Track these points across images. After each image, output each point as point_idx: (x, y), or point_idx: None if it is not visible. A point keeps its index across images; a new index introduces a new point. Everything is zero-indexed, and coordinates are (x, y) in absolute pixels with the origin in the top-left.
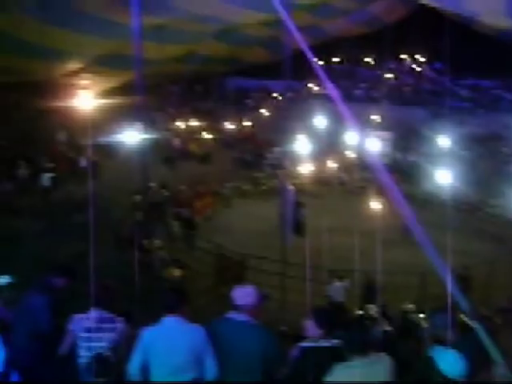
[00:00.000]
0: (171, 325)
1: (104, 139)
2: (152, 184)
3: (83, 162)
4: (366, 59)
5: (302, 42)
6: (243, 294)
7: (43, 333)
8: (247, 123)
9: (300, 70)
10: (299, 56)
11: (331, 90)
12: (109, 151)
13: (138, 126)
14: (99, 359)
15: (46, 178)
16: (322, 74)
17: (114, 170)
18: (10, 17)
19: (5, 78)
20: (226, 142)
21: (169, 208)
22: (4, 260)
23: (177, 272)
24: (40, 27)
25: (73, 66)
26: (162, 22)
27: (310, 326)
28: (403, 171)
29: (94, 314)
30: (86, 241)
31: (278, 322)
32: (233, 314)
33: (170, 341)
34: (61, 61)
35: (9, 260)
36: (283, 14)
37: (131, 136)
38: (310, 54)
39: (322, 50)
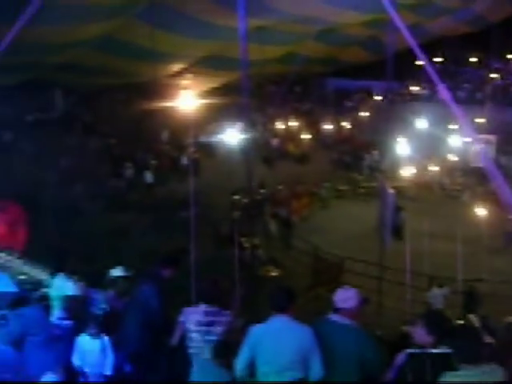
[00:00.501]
0: (280, 323)
1: (205, 138)
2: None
3: (184, 160)
4: (471, 59)
5: (412, 41)
6: (346, 297)
7: (154, 322)
8: (346, 124)
9: (400, 70)
10: (400, 56)
11: (443, 91)
12: (209, 150)
13: (239, 125)
14: (219, 342)
15: (150, 176)
16: (434, 74)
17: (214, 169)
18: (121, 22)
19: (113, 79)
20: (324, 142)
21: (266, 207)
22: (114, 252)
23: (273, 271)
24: (148, 31)
25: (176, 67)
26: (263, 23)
27: (419, 332)
28: (508, 176)
29: (203, 307)
30: (188, 236)
31: (374, 326)
32: (334, 316)
33: (277, 339)
34: (165, 63)
35: (118, 253)
36: (392, 14)
37: (231, 135)
38: (420, 54)
39: (423, 50)
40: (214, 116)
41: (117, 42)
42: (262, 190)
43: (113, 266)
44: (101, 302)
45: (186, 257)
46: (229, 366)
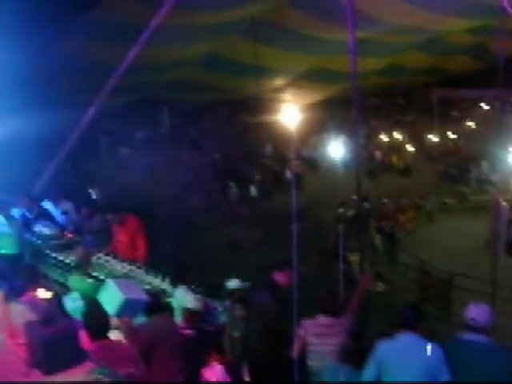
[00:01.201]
0: (407, 341)
1: (308, 152)
2: (354, 197)
3: (288, 174)
4: None
5: None
6: (481, 313)
7: (273, 329)
8: (452, 135)
9: (509, 77)
10: (509, 63)
11: None
12: (312, 163)
13: (341, 138)
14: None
15: (254, 189)
16: None
17: (318, 182)
18: (225, 40)
19: (217, 95)
20: (428, 154)
21: (371, 221)
22: (227, 265)
23: (379, 286)
24: (251, 47)
25: (279, 81)
26: (365, 35)
27: None
28: None
29: (322, 319)
30: (297, 249)
31: None
32: (469, 335)
33: (405, 357)
34: (268, 78)
35: (231, 265)
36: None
37: (334, 149)
38: None
39: None
40: (317, 129)
41: (221, 60)
42: (366, 204)
43: (227, 278)
44: (219, 313)
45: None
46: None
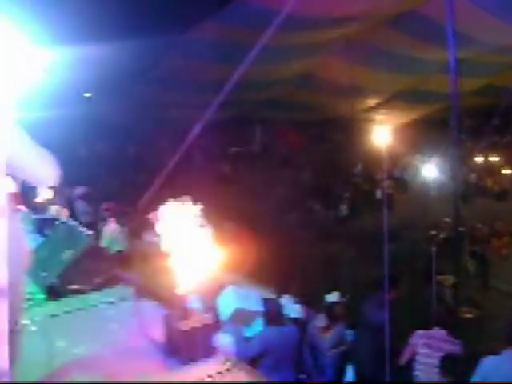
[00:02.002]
0: None
1: (399, 172)
2: (446, 219)
3: (378, 194)
4: None
5: None
6: None
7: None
8: None
9: None
10: None
11: None
12: (404, 184)
13: (434, 160)
14: (449, 358)
15: (344, 208)
16: None
17: (408, 203)
18: (320, 58)
19: (310, 114)
20: None
21: (464, 244)
22: (325, 280)
23: (469, 312)
24: (345, 67)
25: (372, 102)
26: (462, 55)
27: None
28: None
29: (436, 332)
30: (394, 268)
31: None
32: None
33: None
34: (361, 97)
35: (329, 280)
36: None
37: (427, 170)
38: None
39: None
40: (409, 150)
41: (315, 79)
42: (460, 227)
43: (324, 292)
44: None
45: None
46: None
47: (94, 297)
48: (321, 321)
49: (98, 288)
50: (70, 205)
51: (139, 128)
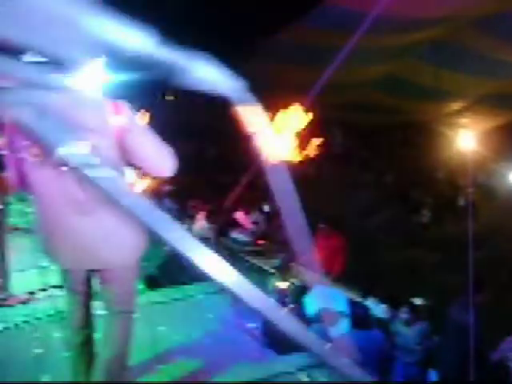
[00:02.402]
0: None
1: (484, 179)
2: None
3: (461, 201)
4: None
5: None
6: None
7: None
8: None
9: None
10: None
11: None
12: (489, 191)
13: None
14: None
15: (426, 214)
16: None
17: (494, 211)
18: (407, 63)
19: (392, 118)
20: None
21: None
22: (408, 284)
23: None
24: (430, 69)
25: (456, 106)
26: None
27: None
28: None
29: None
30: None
31: None
32: None
33: None
34: (447, 101)
35: (412, 285)
36: None
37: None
38: None
39: None
40: (495, 156)
41: (399, 82)
42: None
43: (409, 296)
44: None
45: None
46: None
47: (190, 288)
48: (404, 315)
49: (196, 280)
50: (157, 201)
51: (223, 129)
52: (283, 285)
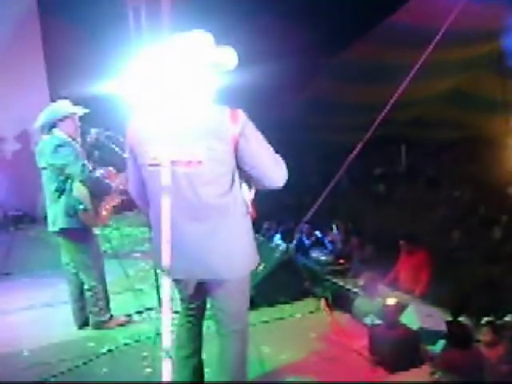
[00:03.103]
0: None
1: None
2: None
3: None
4: None
5: None
6: None
7: None
8: None
9: None
10: None
11: None
12: None
13: None
14: None
15: (497, 230)
16: None
17: None
18: (472, 76)
19: (457, 132)
20: None
21: None
22: (489, 302)
23: None
24: (496, 81)
25: None
26: None
27: None
28: None
29: None
30: None
31: None
32: None
33: None
34: (510, 114)
35: (493, 303)
36: None
37: None
38: None
39: None
40: None
41: (465, 95)
42: None
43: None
44: None
45: None
46: None
47: (289, 308)
48: (486, 335)
49: (292, 300)
50: None
51: (285, 149)
52: (391, 301)
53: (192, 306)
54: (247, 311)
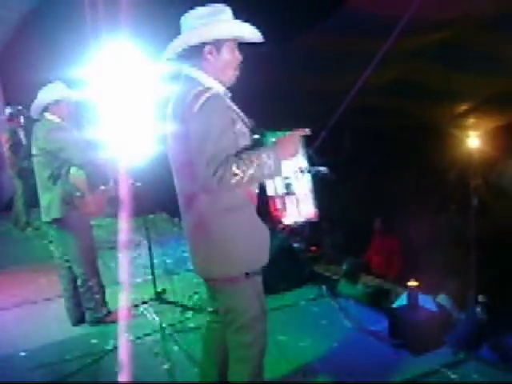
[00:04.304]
0: None
1: (495, 179)
2: None
3: (475, 201)
4: None
5: None
6: None
7: None
8: None
9: None
10: None
11: None
12: (500, 191)
13: None
14: None
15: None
16: None
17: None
18: (412, 65)
19: (400, 121)
20: None
21: None
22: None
23: None
24: (439, 71)
25: (463, 107)
26: None
27: None
28: None
29: None
30: None
31: None
32: None
33: None
34: (452, 102)
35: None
36: None
37: None
38: None
39: None
40: (504, 155)
41: (408, 84)
42: None
43: None
44: None
45: None
46: None
47: (290, 295)
48: None
49: (292, 287)
50: None
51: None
52: (414, 283)
53: (211, 308)
54: (256, 320)
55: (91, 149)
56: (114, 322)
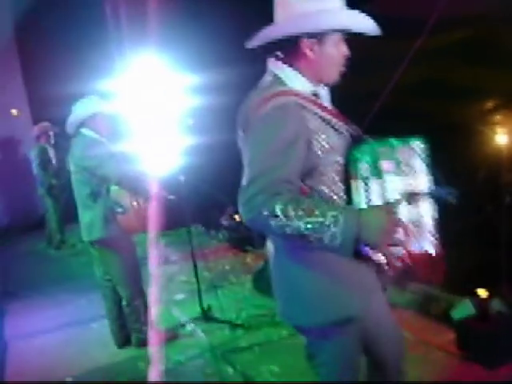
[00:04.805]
0: None
1: None
2: None
3: (507, 200)
4: None
5: None
6: None
7: None
8: None
9: None
10: None
11: None
12: None
13: None
14: None
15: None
16: None
17: None
18: (437, 63)
19: (427, 121)
20: None
21: None
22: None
23: None
24: (464, 69)
25: (490, 104)
26: None
27: None
28: None
29: None
30: None
31: None
32: None
33: None
34: (479, 100)
35: None
36: None
37: None
38: None
39: None
40: None
41: (433, 85)
42: None
43: None
44: None
45: None
46: None
47: None
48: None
49: None
50: None
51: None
52: (483, 292)
53: None
54: None
55: (127, 162)
56: (161, 343)
